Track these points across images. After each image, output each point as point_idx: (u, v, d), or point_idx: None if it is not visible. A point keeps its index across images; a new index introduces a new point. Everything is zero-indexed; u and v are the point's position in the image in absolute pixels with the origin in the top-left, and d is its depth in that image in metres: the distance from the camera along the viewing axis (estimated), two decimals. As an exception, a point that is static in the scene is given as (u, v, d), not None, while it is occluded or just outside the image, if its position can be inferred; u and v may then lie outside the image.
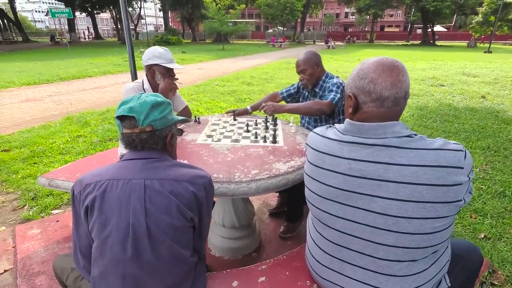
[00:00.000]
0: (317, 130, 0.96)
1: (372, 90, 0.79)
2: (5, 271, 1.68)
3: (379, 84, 0.78)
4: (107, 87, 7.47)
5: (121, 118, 0.90)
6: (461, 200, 0.74)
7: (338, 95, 1.79)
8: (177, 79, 1.89)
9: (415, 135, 0.77)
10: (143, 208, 0.84)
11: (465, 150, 0.75)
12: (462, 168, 0.73)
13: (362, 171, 0.78)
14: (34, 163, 3.03)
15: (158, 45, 1.85)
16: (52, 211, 2.26)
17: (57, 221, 2.11)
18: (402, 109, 0.81)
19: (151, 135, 0.90)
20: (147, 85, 1.86)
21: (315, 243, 0.97)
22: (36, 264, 1.70)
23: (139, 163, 0.89)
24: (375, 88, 0.79)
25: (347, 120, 0.85)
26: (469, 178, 0.75)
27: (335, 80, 1.87)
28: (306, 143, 0.98)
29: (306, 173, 0.95)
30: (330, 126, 0.93)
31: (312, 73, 1.91)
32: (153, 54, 1.78)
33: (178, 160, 1.39)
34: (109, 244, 0.83)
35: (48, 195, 2.45)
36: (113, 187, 0.85)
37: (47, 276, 1.61)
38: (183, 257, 0.90)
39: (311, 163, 0.91)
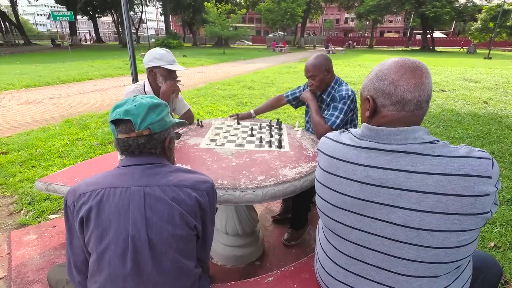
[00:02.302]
0: (329, 135, 0.91)
1: (392, 93, 0.74)
2: (-2, 279, 1.62)
3: (401, 86, 0.73)
4: (107, 90, 7.44)
5: (115, 122, 0.84)
6: (488, 212, 0.69)
7: (341, 116, 1.69)
8: (179, 81, 1.84)
9: (438, 141, 0.72)
10: (144, 218, 0.78)
11: (492, 158, 0.70)
12: (490, 177, 0.67)
13: (380, 179, 0.73)
14: (32, 167, 2.97)
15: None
16: (49, 216, 2.20)
17: (54, 227, 2.05)
18: (424, 113, 0.76)
19: (149, 139, 0.84)
20: (148, 88, 1.81)
21: (327, 255, 0.91)
22: (31, 272, 1.64)
23: (138, 169, 0.84)
24: (396, 91, 0.74)
25: (364, 124, 0.80)
26: (497, 188, 0.69)
27: (343, 93, 1.75)
28: (318, 149, 0.93)
29: (318, 181, 0.89)
30: (344, 131, 0.88)
31: (322, 80, 1.79)
32: (154, 56, 1.73)
33: (179, 165, 1.34)
34: (107, 258, 0.77)
35: (45, 200, 2.39)
36: (110, 196, 0.79)
37: (42, 284, 1.55)
38: (187, 269, 0.85)
39: (323, 170, 0.86)
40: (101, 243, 0.77)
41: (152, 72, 1.76)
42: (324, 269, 0.93)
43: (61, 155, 3.26)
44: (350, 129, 0.87)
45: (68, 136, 3.87)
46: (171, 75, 1.78)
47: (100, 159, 2.46)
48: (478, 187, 0.67)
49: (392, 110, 0.75)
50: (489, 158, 0.69)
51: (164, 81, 1.77)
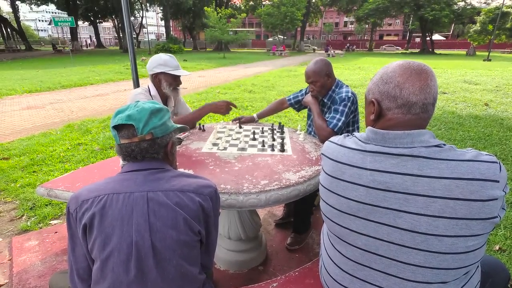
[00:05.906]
0: (334, 139, 0.90)
1: (398, 96, 0.74)
2: (0, 285, 1.60)
3: (406, 89, 0.73)
4: (108, 94, 7.46)
5: (118, 127, 0.84)
6: (496, 216, 0.68)
7: (343, 119, 1.68)
8: (184, 88, 1.84)
9: (444, 144, 0.72)
10: (147, 223, 0.77)
11: (500, 162, 0.69)
12: (498, 181, 0.67)
13: (387, 183, 0.72)
14: (33, 172, 2.97)
15: (159, 53, 1.80)
16: (51, 222, 2.19)
17: (56, 232, 2.03)
18: (430, 116, 0.75)
19: (152, 144, 0.84)
20: (154, 92, 1.79)
21: (332, 260, 0.90)
22: (32, 279, 1.62)
23: (140, 174, 0.83)
24: (402, 93, 0.73)
25: (369, 127, 0.80)
26: (505, 192, 0.69)
27: (343, 95, 1.74)
28: (322, 153, 0.92)
29: (323, 185, 0.88)
30: (348, 135, 0.88)
31: (323, 85, 1.79)
32: (158, 62, 1.73)
33: (181, 169, 1.33)
34: (111, 265, 0.76)
35: (47, 205, 2.38)
36: (113, 202, 0.78)
37: (44, 291, 1.54)
38: (191, 275, 0.84)
39: (328, 175, 0.85)
40: (104, 250, 0.76)
41: (156, 78, 1.75)
42: (329, 275, 0.92)
43: (63, 160, 3.26)
44: (354, 133, 0.87)
45: (69, 141, 3.88)
46: (176, 80, 1.78)
47: (101, 164, 2.46)
48: (486, 191, 0.66)
49: (397, 113, 0.75)
50: (496, 162, 0.68)
51: (168, 86, 1.76)
